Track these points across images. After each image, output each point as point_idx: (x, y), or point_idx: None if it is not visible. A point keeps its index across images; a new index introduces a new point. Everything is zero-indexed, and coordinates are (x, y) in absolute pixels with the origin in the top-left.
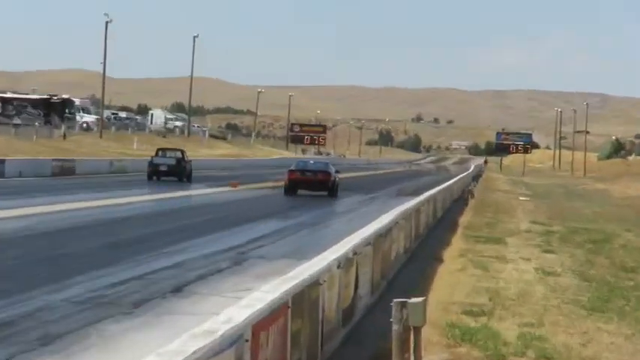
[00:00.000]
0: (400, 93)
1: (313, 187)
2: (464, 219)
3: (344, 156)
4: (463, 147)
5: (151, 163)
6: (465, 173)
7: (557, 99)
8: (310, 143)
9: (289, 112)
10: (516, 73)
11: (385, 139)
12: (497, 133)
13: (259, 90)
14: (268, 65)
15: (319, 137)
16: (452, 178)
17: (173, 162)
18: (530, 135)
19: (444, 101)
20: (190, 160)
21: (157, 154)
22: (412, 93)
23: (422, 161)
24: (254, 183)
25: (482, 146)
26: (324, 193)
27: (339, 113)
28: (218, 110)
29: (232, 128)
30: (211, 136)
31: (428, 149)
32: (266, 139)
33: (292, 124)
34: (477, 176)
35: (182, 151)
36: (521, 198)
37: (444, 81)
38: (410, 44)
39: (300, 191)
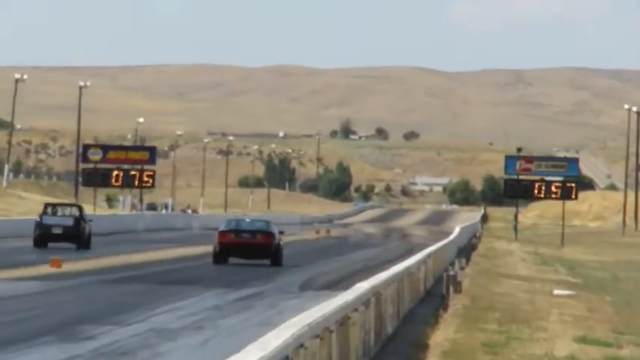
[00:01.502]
0: (306, 78)
1: (251, 254)
2: (440, 336)
3: (192, 211)
4: (438, 187)
5: (40, 224)
6: (443, 242)
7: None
8: (123, 185)
9: (80, 122)
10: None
11: (277, 173)
12: (509, 158)
13: (17, 76)
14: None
15: (142, 172)
16: (415, 254)
17: (70, 223)
18: (576, 161)
19: (398, 92)
20: (91, 220)
21: (45, 212)
22: (333, 77)
23: (353, 219)
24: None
25: (478, 185)
26: (266, 261)
27: (183, 122)
28: None
29: None
30: None
31: (365, 194)
32: (33, 179)
33: (86, 146)
34: (466, 248)
35: (79, 208)
36: (556, 292)
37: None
38: None
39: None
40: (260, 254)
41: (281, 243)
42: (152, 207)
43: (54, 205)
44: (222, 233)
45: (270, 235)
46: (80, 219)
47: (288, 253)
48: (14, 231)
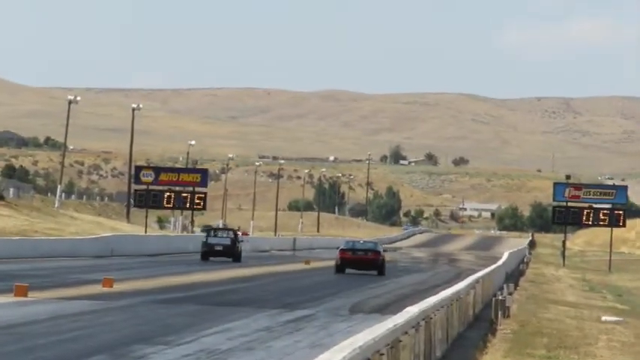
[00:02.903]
0: (356, 104)
1: (363, 267)
2: None
3: (243, 233)
4: (486, 213)
5: (205, 243)
6: (491, 268)
7: None
8: (174, 207)
9: (132, 144)
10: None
11: (327, 197)
12: (557, 185)
13: (70, 98)
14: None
15: (193, 195)
16: (463, 279)
17: (228, 242)
18: (625, 189)
19: (448, 118)
20: (242, 240)
21: (209, 234)
22: (382, 103)
23: (402, 243)
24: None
25: (526, 211)
26: (374, 272)
27: (234, 145)
28: None
29: (18, 176)
30: None
31: (414, 218)
32: (85, 200)
33: (138, 168)
34: (515, 274)
35: (234, 231)
36: (605, 318)
37: (448, 82)
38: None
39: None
40: (370, 267)
41: (384, 258)
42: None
43: (215, 229)
44: (343, 251)
45: (377, 252)
46: (235, 240)
47: (336, 277)
48: (67, 251)
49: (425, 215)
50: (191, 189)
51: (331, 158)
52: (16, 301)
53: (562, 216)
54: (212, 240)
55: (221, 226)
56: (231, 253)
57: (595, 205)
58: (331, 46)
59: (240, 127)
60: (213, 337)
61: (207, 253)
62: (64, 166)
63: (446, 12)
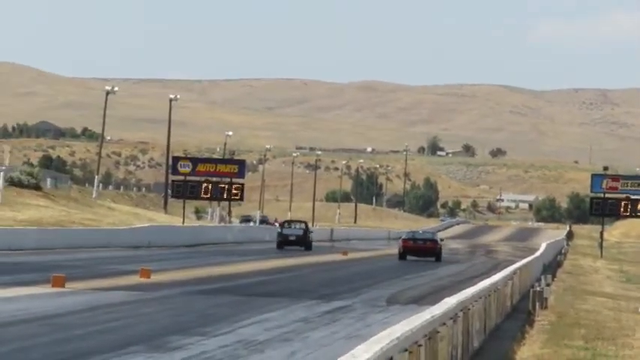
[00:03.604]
0: (394, 95)
1: (422, 254)
2: (526, 352)
3: (278, 224)
4: (524, 204)
5: (280, 234)
6: (529, 259)
7: None
8: (212, 198)
9: (170, 134)
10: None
11: (364, 188)
12: (595, 176)
13: (108, 88)
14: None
15: (231, 185)
16: (501, 271)
17: (300, 233)
18: None
19: (485, 110)
20: (312, 231)
21: (283, 226)
22: (419, 94)
23: (439, 234)
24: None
25: (563, 203)
26: (432, 258)
27: (271, 136)
28: (23, 129)
29: (55, 167)
30: (12, 182)
31: (452, 210)
32: (123, 190)
33: (176, 159)
34: (552, 265)
35: (305, 224)
36: None
37: (486, 74)
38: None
39: None
40: (428, 254)
41: (441, 247)
42: (247, 219)
43: (289, 222)
44: (405, 240)
45: (435, 242)
46: (306, 231)
47: (373, 268)
48: (104, 241)
49: (462, 207)
50: (228, 180)
51: (369, 149)
52: (54, 291)
53: (599, 207)
54: (286, 231)
55: (259, 217)
56: (303, 242)
57: (632, 197)
58: (369, 37)
59: (277, 118)
60: (250, 327)
61: (282, 243)
62: (102, 157)
63: (484, 3)
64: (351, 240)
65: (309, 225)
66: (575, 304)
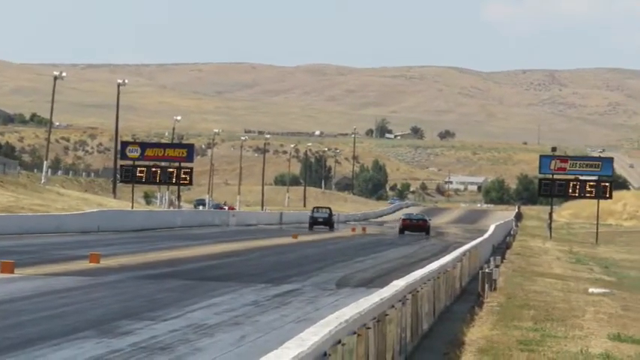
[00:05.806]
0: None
1: (416, 230)
2: (476, 334)
3: (229, 207)
4: (472, 186)
5: (312, 217)
6: (478, 241)
7: None
8: (161, 182)
9: (118, 119)
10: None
11: (313, 171)
12: (543, 157)
13: (56, 74)
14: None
15: (180, 170)
16: (450, 252)
17: (326, 216)
18: (611, 161)
19: (433, 92)
20: (335, 214)
21: (313, 211)
22: (368, 77)
23: (389, 217)
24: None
25: (512, 184)
26: (423, 233)
27: (220, 120)
28: None
29: (4, 153)
30: None
31: (401, 192)
32: (72, 176)
33: (124, 144)
34: (501, 246)
35: (329, 209)
36: (592, 290)
37: (434, 56)
38: None
39: None
40: (421, 230)
41: (430, 224)
42: (201, 203)
43: (318, 208)
44: (403, 220)
45: (425, 221)
46: (330, 214)
47: (323, 251)
48: (53, 227)
49: (411, 189)
50: (177, 164)
51: (317, 132)
52: (3, 277)
53: (548, 188)
54: (316, 214)
55: (208, 201)
56: (329, 223)
57: (581, 177)
58: (316, 20)
59: (226, 102)
60: (199, 312)
61: (313, 224)
62: (50, 143)
63: None
64: (302, 223)
65: (332, 210)
66: (524, 286)
